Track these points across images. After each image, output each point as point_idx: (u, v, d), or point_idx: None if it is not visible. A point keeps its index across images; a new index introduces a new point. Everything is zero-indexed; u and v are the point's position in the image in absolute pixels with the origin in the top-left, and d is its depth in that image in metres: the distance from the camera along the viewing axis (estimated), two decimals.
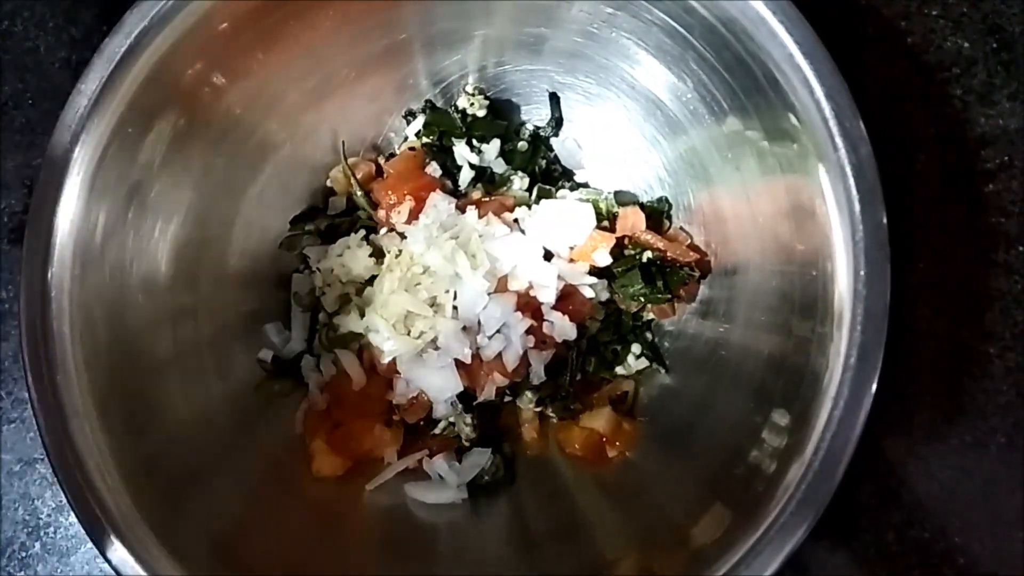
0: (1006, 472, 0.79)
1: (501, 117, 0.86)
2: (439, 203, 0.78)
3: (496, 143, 0.84)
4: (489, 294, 0.74)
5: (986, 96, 0.83)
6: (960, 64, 0.83)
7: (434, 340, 0.74)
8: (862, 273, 0.61)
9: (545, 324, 0.76)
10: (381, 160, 0.86)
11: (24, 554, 0.82)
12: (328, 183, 0.86)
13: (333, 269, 0.80)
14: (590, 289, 0.78)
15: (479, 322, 0.75)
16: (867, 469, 0.78)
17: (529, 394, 0.80)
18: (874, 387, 0.60)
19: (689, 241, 0.81)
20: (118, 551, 0.62)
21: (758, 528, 0.61)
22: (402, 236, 0.79)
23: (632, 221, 0.79)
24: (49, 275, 0.65)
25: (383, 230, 0.81)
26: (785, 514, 0.60)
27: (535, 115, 0.87)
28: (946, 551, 0.78)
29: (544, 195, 0.82)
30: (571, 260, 0.78)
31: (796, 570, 0.77)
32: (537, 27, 0.78)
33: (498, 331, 0.75)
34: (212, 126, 0.74)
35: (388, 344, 0.74)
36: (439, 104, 0.86)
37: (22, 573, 0.82)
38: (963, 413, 0.80)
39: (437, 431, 0.80)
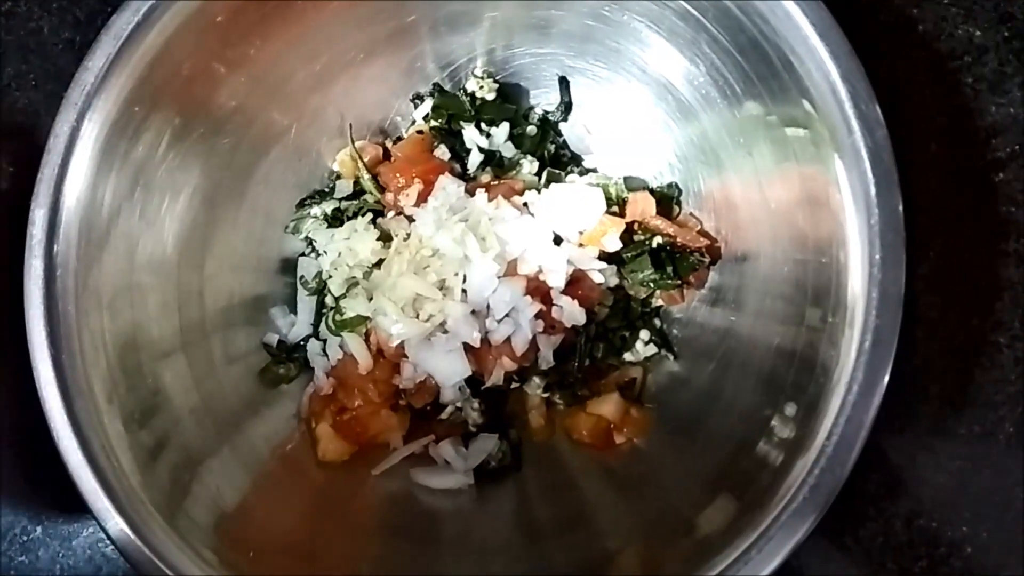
0: (1015, 463, 0.78)
1: (510, 101, 0.85)
2: (448, 186, 0.78)
3: (505, 127, 0.84)
4: (498, 278, 0.74)
5: (997, 85, 0.82)
6: (971, 53, 0.83)
7: (442, 324, 0.74)
8: (877, 257, 0.60)
9: (554, 309, 0.75)
10: (388, 143, 0.85)
11: (25, 538, 0.82)
12: (335, 166, 0.85)
13: (340, 252, 0.79)
14: (599, 274, 0.78)
15: (488, 306, 0.74)
16: (875, 459, 0.78)
17: (537, 379, 0.79)
18: (887, 377, 0.60)
19: (699, 227, 0.80)
20: (123, 534, 0.62)
21: (765, 518, 0.61)
22: (410, 219, 0.78)
23: (642, 206, 0.79)
24: (55, 254, 0.64)
25: (390, 213, 0.81)
26: (793, 504, 0.60)
27: (544, 99, 0.86)
28: (954, 541, 0.78)
29: (553, 179, 0.81)
30: (580, 245, 0.78)
31: (802, 560, 0.77)
32: (547, 9, 0.78)
33: (507, 315, 0.74)
34: (219, 107, 0.73)
35: (396, 327, 0.74)
36: (447, 87, 0.85)
37: (23, 558, 0.81)
38: (972, 403, 0.79)
39: (444, 416, 0.79)
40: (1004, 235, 0.81)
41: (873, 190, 0.60)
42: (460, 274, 0.74)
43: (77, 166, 0.65)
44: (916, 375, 0.79)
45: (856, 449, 0.60)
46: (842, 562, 0.79)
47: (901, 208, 0.60)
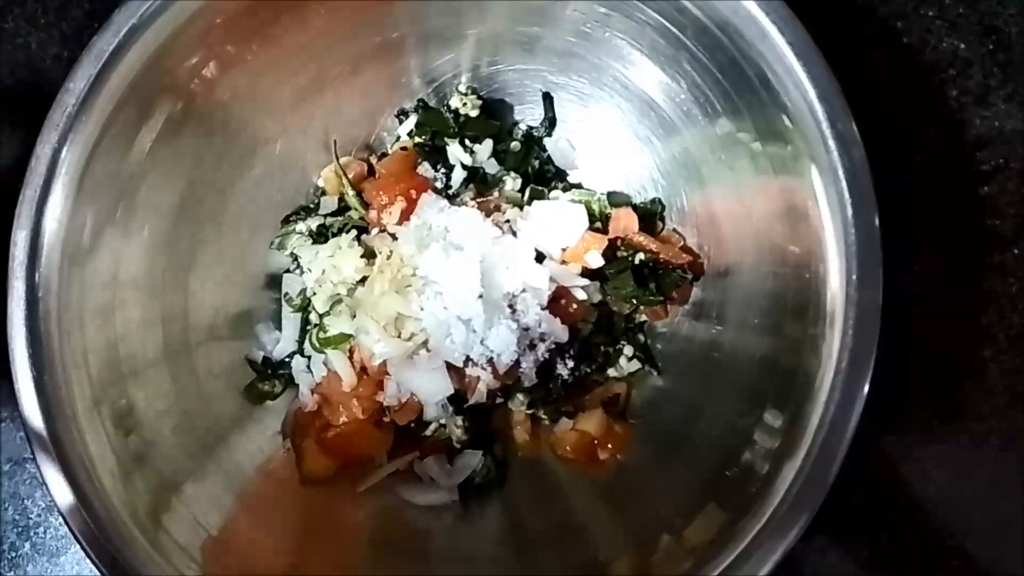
0: (1001, 474, 0.79)
1: (494, 117, 0.85)
2: (430, 204, 0.78)
3: (489, 143, 0.84)
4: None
5: (982, 97, 0.82)
6: (956, 65, 0.83)
7: (425, 342, 0.74)
8: (854, 277, 0.61)
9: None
10: (373, 160, 0.85)
11: (14, 554, 0.82)
12: (319, 182, 0.85)
13: (324, 270, 0.79)
14: (582, 291, 0.77)
15: None
16: (862, 470, 0.78)
17: (521, 396, 0.79)
18: (866, 389, 0.60)
19: (682, 243, 0.81)
20: (104, 554, 0.62)
21: (751, 529, 0.61)
22: (393, 237, 0.78)
23: (625, 222, 0.79)
24: (37, 276, 0.64)
25: (374, 231, 0.80)
26: (778, 515, 0.61)
27: (528, 115, 0.86)
28: (940, 553, 0.78)
29: (537, 196, 0.81)
30: (563, 262, 0.78)
31: (790, 571, 0.77)
32: (531, 26, 0.78)
33: None
34: (201, 125, 0.73)
35: (378, 346, 0.74)
36: (432, 103, 0.85)
37: (12, 573, 0.82)
38: (959, 415, 0.80)
39: (428, 433, 0.79)
40: (989, 247, 0.81)
41: (850, 210, 0.61)
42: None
43: (59, 187, 0.65)
44: (903, 387, 0.79)
45: (836, 464, 0.60)
46: (830, 572, 0.79)
47: (878, 227, 0.61)
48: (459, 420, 0.78)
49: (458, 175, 0.83)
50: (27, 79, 0.87)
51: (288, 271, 0.84)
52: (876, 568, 0.79)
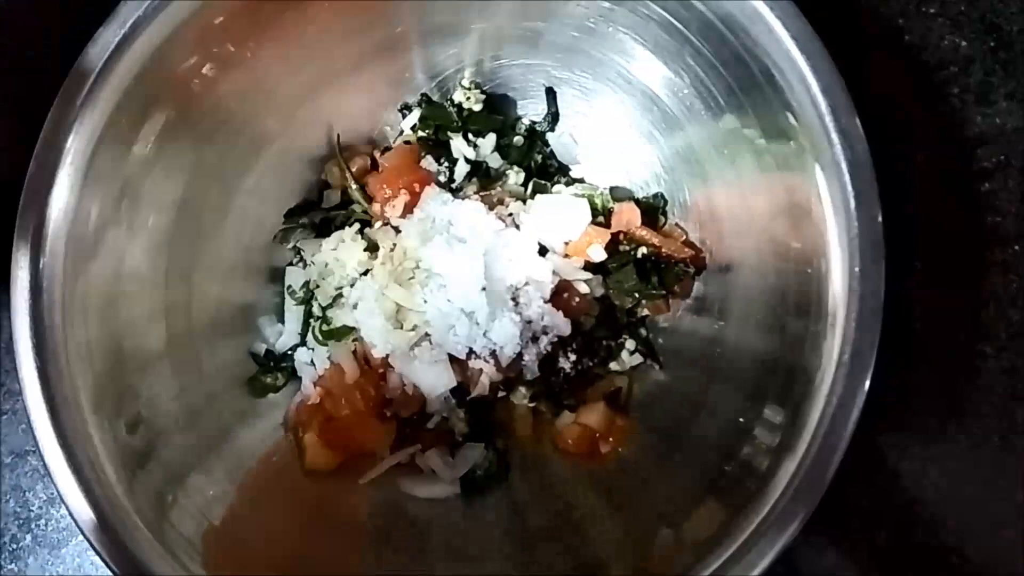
0: (1000, 473, 0.79)
1: (497, 112, 0.86)
2: (434, 197, 0.78)
3: (492, 137, 0.84)
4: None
5: (984, 95, 0.82)
6: (958, 63, 0.83)
7: (427, 335, 0.74)
8: (856, 270, 0.61)
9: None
10: (376, 154, 0.86)
11: (15, 546, 0.82)
12: (323, 176, 0.85)
13: (327, 263, 0.79)
14: (585, 285, 0.78)
15: None
16: (861, 468, 0.78)
17: (523, 389, 0.79)
18: (867, 385, 0.60)
19: (684, 237, 0.81)
20: (108, 544, 0.62)
21: (750, 524, 0.61)
22: (396, 230, 0.79)
23: (627, 217, 0.79)
24: (41, 266, 0.64)
25: (377, 224, 0.81)
26: (777, 511, 0.60)
27: (531, 110, 0.87)
28: (939, 551, 0.78)
29: (539, 190, 0.82)
30: (566, 255, 0.78)
31: (788, 568, 0.77)
32: (534, 21, 0.78)
33: None
34: (206, 118, 0.73)
35: (381, 338, 0.74)
36: (435, 98, 0.85)
37: (13, 565, 0.82)
38: (958, 413, 0.80)
39: (430, 425, 0.79)
40: (990, 245, 0.81)
41: (853, 203, 0.61)
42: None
43: (64, 179, 0.65)
44: (902, 385, 0.79)
45: (836, 460, 0.60)
46: (828, 571, 0.79)
47: (881, 222, 0.61)
48: (461, 413, 0.78)
49: (461, 169, 0.84)
50: (32, 71, 0.87)
51: (291, 264, 0.84)
52: (873, 567, 0.79)
